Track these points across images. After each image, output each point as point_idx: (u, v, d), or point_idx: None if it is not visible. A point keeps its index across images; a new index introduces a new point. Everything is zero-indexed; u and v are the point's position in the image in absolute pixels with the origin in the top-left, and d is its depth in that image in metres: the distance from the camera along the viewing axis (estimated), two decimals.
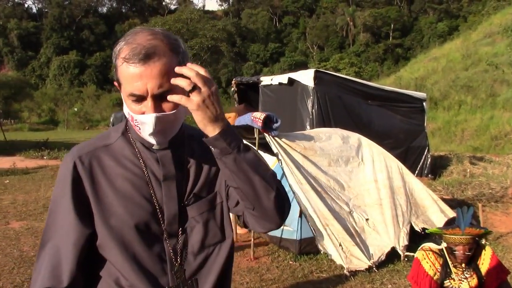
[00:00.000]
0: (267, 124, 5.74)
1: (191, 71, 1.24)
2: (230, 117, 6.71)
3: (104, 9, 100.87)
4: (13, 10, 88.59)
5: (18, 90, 48.50)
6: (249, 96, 11.40)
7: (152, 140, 1.36)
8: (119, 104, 50.92)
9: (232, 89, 11.86)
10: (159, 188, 1.42)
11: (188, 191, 1.46)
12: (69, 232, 1.39)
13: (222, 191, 1.51)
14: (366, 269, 5.38)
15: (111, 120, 9.08)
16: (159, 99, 1.29)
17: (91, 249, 1.41)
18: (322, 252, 5.62)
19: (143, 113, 1.30)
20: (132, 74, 1.27)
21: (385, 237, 5.80)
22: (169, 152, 1.44)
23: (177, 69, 1.26)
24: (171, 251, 1.42)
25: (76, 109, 51.01)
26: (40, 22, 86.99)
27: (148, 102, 1.29)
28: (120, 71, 1.31)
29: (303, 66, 58.83)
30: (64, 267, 1.37)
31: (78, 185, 1.39)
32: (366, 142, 6.47)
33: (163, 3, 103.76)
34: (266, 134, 5.80)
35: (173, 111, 1.32)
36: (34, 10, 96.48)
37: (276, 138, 5.85)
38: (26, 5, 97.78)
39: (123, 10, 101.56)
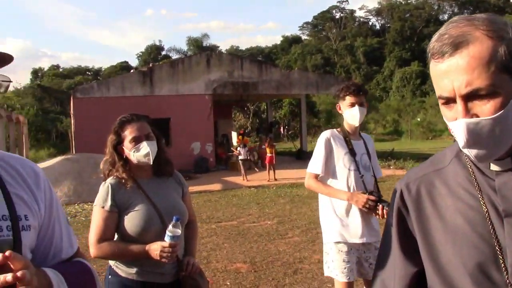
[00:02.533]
0: None
1: None
2: None
3: (445, 16, 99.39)
4: (358, 29, 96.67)
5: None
6: None
7: (469, 154, 1.06)
8: None
9: None
10: (501, 226, 1.07)
11: None
12: (396, 268, 1.27)
13: None
14: None
15: None
16: (472, 100, 1.01)
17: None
18: None
19: (456, 120, 1.04)
20: (437, 71, 1.05)
21: None
22: (511, 179, 1.08)
23: None
24: None
25: (419, 119, 51.65)
26: (383, 37, 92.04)
27: (458, 105, 1.02)
28: (430, 71, 1.08)
29: None
30: None
31: (403, 216, 1.26)
32: None
33: (511, 1, 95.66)
34: None
35: (492, 116, 0.99)
36: (377, 27, 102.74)
37: None
38: (370, 23, 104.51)
39: (466, 14, 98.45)
